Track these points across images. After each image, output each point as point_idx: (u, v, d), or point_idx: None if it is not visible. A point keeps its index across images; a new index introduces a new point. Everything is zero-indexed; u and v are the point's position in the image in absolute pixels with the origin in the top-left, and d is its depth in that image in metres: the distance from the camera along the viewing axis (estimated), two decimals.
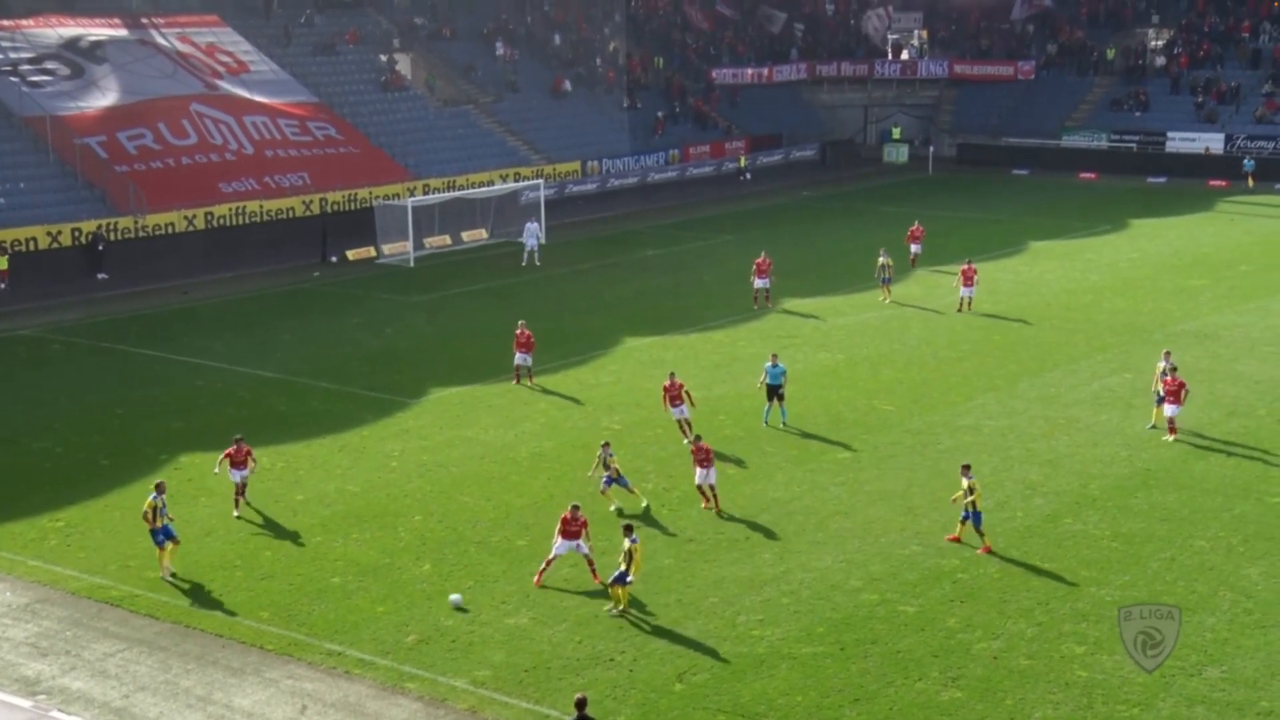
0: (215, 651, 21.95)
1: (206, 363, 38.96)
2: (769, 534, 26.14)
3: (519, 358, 36.08)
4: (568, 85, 74.86)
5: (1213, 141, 72.92)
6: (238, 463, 27.35)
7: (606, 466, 27.24)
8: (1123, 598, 22.99)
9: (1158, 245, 54.40)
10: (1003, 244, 54.32)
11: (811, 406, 33.81)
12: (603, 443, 27.81)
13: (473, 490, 28.59)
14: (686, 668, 21.08)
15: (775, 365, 32.33)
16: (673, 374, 31.72)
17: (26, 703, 20.48)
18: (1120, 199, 65.73)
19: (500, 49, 74.86)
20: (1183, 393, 30.73)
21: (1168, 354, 32.66)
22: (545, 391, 35.59)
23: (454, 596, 23.39)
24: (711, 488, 27.39)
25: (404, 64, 71.62)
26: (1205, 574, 24.13)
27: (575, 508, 23.97)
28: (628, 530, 22.91)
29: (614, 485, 27.29)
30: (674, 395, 31.16)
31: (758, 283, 44.42)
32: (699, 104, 78.80)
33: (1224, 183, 68.59)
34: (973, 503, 24.91)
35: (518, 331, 36.21)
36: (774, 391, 32.20)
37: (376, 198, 58.10)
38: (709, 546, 25.50)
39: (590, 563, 23.82)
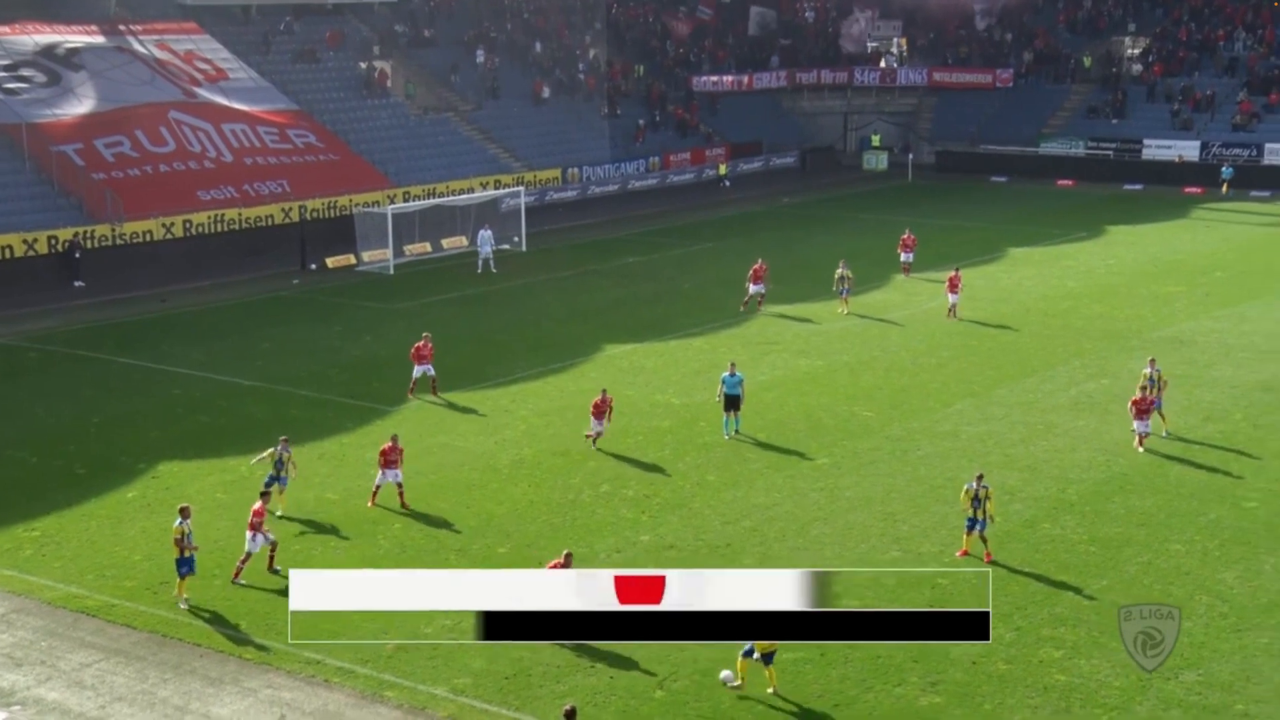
0: (193, 661, 21.86)
1: (184, 371, 38.82)
2: (750, 540, 26.17)
3: (418, 369, 35.34)
4: (547, 92, 74.92)
5: (1188, 149, 73.34)
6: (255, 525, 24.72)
7: (281, 464, 27.24)
8: (1100, 603, 23.10)
9: (1134, 252, 54.69)
10: (982, 251, 54.50)
11: (792, 413, 33.87)
12: (282, 437, 28.02)
13: (452, 498, 28.55)
14: (667, 674, 21.08)
15: (733, 374, 32.16)
16: (604, 390, 31.42)
17: (1, 714, 20.36)
18: (1097, 206, 66.06)
19: (481, 56, 74.88)
20: (1153, 408, 30.68)
21: (1153, 361, 32.77)
22: (452, 407, 35.58)
23: (724, 674, 20.96)
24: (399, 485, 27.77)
25: (384, 71, 71.57)
26: (1181, 578, 24.25)
27: None
28: None
29: (277, 484, 27.19)
30: (599, 410, 30.82)
31: (752, 288, 44.42)
32: (679, 112, 78.93)
33: (1199, 189, 69.01)
34: (983, 510, 24.73)
35: (420, 343, 35.60)
36: (732, 402, 32.10)
37: (356, 205, 57.99)
38: (689, 553, 25.51)
39: None
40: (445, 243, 57.12)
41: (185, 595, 23.78)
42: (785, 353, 39.85)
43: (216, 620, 23.15)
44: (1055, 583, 24.06)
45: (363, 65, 70.43)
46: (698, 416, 33.68)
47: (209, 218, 55.97)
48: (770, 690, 20.39)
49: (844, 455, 30.82)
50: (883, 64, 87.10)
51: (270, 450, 27.78)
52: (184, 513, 23.88)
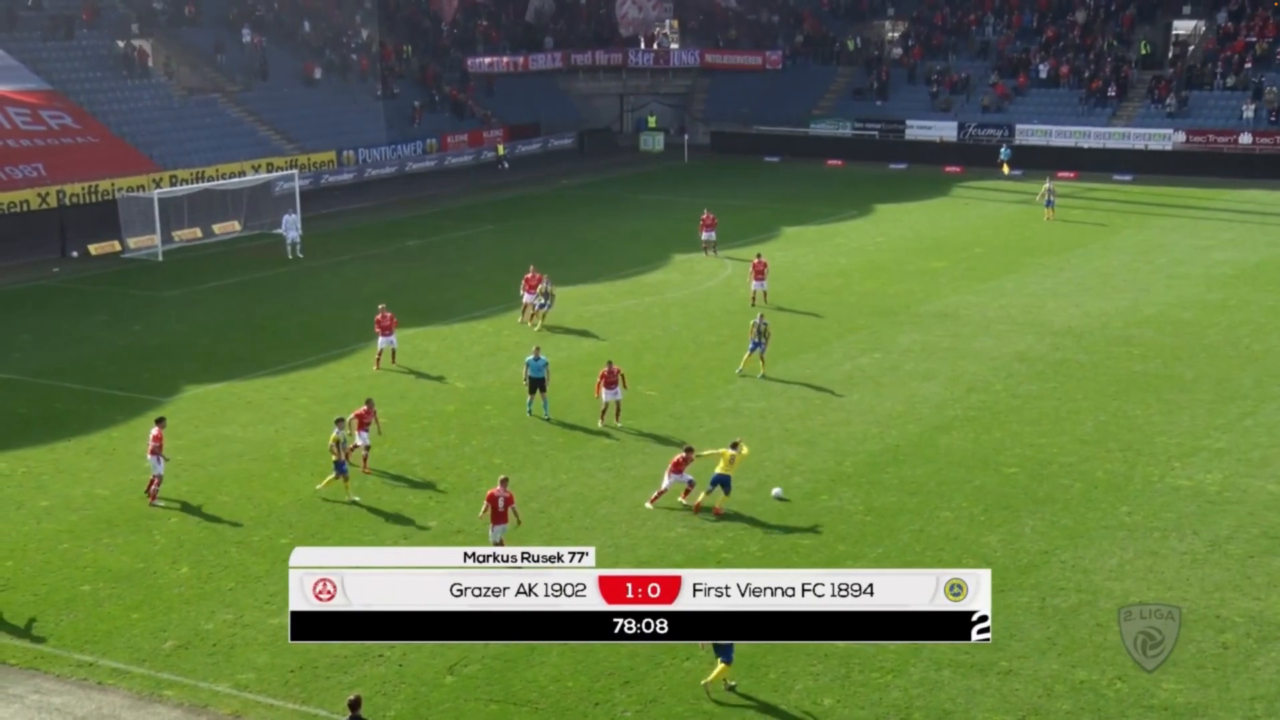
0: None
1: None
2: (538, 521, 26.25)
3: (382, 341, 35.90)
4: (318, 73, 73.24)
5: (947, 130, 76.50)
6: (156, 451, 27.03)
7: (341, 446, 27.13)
8: (877, 568, 23.97)
9: (901, 229, 56.75)
10: (757, 230, 55.71)
11: (576, 394, 34.05)
12: (337, 418, 27.87)
13: (232, 489, 27.82)
14: (457, 660, 21.02)
15: (537, 359, 32.37)
16: (610, 362, 31.82)
17: None
18: (865, 185, 68.23)
19: (247, 35, 72.64)
20: (687, 465, 26.74)
21: (762, 315, 35.83)
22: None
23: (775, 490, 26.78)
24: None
25: (144, 50, 68.76)
26: (950, 543, 25.39)
27: None
28: None
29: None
30: (610, 381, 31.28)
31: (526, 298, 41.54)
32: (454, 93, 78.21)
33: (959, 168, 72.02)
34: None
35: (379, 315, 36.04)
36: (537, 384, 32.29)
37: (120, 189, 55.68)
38: (478, 538, 25.44)
39: None
40: (217, 228, 55.40)
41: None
42: (568, 334, 40.03)
43: None
44: (835, 553, 24.88)
45: (120, 43, 67.52)
46: (483, 400, 33.58)
47: None
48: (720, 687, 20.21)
49: (628, 435, 31.18)
50: (656, 45, 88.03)
51: (333, 434, 27.35)
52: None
